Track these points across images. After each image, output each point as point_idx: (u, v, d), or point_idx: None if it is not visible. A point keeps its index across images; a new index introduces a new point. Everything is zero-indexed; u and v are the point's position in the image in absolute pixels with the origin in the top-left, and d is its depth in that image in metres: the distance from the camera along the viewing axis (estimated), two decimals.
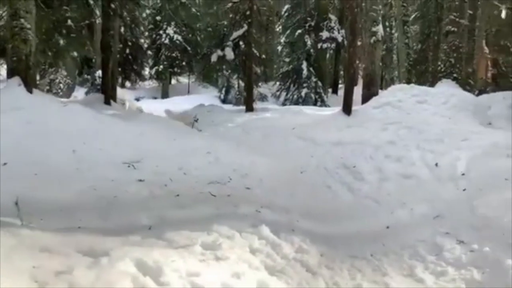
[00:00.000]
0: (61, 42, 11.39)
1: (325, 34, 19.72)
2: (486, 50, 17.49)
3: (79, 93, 21.09)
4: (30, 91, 8.20)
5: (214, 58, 14.29)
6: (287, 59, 21.87)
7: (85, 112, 8.34)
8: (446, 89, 12.92)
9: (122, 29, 21.42)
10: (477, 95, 12.43)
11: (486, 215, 4.70)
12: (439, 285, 3.62)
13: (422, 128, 8.54)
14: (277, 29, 24.10)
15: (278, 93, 20.81)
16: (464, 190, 5.83)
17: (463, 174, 6.36)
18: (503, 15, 13.34)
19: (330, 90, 21.69)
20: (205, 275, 2.78)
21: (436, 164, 6.92)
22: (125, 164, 6.49)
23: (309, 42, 20.12)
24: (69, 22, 10.97)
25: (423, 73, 20.60)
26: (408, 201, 5.88)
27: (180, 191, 5.31)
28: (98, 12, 12.85)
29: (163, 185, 5.58)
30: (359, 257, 4.19)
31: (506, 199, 4.82)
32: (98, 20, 13.30)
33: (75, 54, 13.45)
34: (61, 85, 20.60)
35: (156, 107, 16.19)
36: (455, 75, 17.57)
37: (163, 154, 7.31)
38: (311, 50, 20.14)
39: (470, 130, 8.31)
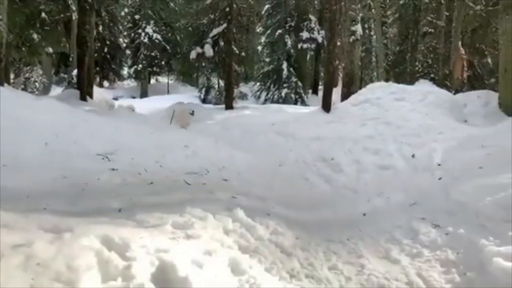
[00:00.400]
0: (35, 36, 11.09)
1: (305, 35, 19.81)
2: (462, 50, 17.82)
3: (57, 92, 20.64)
4: (1, 84, 7.97)
5: (193, 55, 14.13)
6: (267, 59, 21.91)
7: (59, 106, 8.13)
8: (423, 86, 13.13)
9: (101, 28, 21.12)
10: (454, 94, 12.63)
11: (461, 200, 4.71)
12: (414, 266, 3.60)
13: (400, 123, 8.63)
14: (258, 30, 24.12)
15: (258, 93, 20.80)
16: (440, 179, 5.87)
17: (439, 165, 6.41)
18: None
19: (310, 91, 21.77)
20: (175, 252, 2.67)
21: (413, 156, 6.98)
22: (99, 156, 6.33)
23: (289, 43, 20.19)
24: (43, 15, 10.70)
25: (401, 74, 20.85)
26: (385, 191, 5.90)
27: (154, 180, 5.17)
28: (74, 8, 12.63)
29: (137, 174, 5.44)
30: (335, 241, 4.15)
31: (480, 185, 4.85)
32: (75, 16, 13.06)
33: (51, 50, 13.13)
34: (36, 84, 20.07)
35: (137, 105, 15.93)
36: (432, 75, 17.86)
37: (139, 147, 7.15)
38: (292, 51, 20.21)
39: (446, 125, 8.42)
